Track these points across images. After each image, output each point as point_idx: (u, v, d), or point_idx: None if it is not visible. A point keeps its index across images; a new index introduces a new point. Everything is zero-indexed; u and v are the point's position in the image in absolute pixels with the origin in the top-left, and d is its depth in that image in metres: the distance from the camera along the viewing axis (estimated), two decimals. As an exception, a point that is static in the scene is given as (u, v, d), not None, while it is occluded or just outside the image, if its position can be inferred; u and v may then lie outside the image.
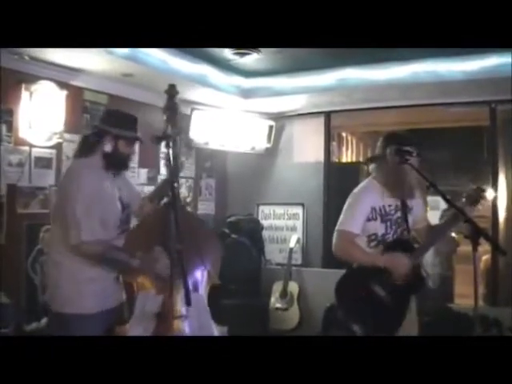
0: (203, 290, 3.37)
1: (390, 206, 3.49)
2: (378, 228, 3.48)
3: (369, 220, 3.46)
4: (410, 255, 3.33)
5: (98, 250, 3.20)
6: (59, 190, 3.50)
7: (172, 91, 3.40)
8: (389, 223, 3.48)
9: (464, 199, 3.35)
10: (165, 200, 3.52)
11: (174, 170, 3.35)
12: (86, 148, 3.44)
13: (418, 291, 3.48)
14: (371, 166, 3.67)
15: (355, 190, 3.59)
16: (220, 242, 3.81)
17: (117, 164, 3.42)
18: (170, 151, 3.19)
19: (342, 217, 3.53)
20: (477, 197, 3.37)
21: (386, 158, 3.45)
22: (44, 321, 4.23)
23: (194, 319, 3.17)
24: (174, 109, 3.38)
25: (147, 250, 3.22)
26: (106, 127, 3.39)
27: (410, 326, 3.38)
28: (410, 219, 3.53)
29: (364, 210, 3.46)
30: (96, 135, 3.43)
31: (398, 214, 3.50)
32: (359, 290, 3.37)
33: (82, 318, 3.18)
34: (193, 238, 3.13)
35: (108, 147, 3.37)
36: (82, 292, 3.23)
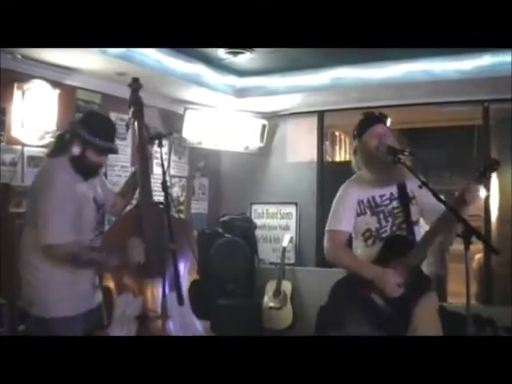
0: (184, 287, 3.34)
1: (382, 196, 3.25)
2: (370, 222, 3.24)
3: (358, 215, 3.26)
4: (405, 256, 3.09)
5: (70, 253, 3.13)
6: (31, 191, 3.36)
7: (136, 85, 3.38)
8: (382, 215, 3.23)
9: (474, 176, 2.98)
10: (137, 196, 3.49)
11: (139, 162, 3.32)
12: (59, 147, 3.32)
13: (422, 292, 3.17)
14: (353, 161, 3.39)
15: (342, 185, 3.40)
16: (200, 237, 3.76)
17: (83, 169, 3.27)
18: (163, 150, 3.18)
19: (329, 216, 3.36)
20: (485, 171, 2.99)
21: (360, 147, 3.29)
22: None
23: (176, 318, 3.16)
24: (138, 103, 3.36)
25: (124, 251, 3.19)
26: (78, 129, 3.25)
27: (431, 327, 3.13)
28: (415, 210, 3.25)
29: (350, 205, 3.26)
30: (69, 135, 3.30)
31: (394, 203, 3.24)
32: (356, 296, 3.15)
33: (59, 320, 3.12)
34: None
35: (76, 150, 3.23)
36: (57, 295, 3.16)
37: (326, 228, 3.35)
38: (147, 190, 3.29)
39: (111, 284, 3.23)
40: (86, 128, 3.24)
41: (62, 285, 3.18)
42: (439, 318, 3.24)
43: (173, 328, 3.15)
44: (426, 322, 3.12)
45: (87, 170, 3.30)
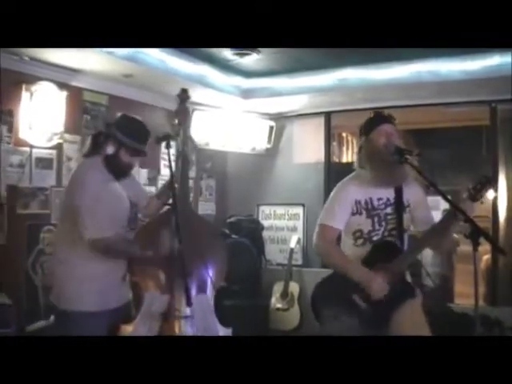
0: (209, 291, 3.39)
1: (379, 199, 3.23)
2: (363, 224, 3.23)
3: (353, 214, 3.23)
4: (391, 262, 3.11)
5: (116, 244, 3.25)
6: (67, 189, 3.50)
7: (184, 95, 3.46)
8: (376, 219, 3.22)
9: (467, 194, 3.01)
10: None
11: (180, 169, 3.38)
12: (94, 147, 3.44)
13: (404, 299, 3.19)
14: (356, 159, 3.37)
15: (340, 182, 3.39)
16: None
17: (115, 169, 3.39)
18: (170, 151, 3.21)
19: (323, 210, 3.36)
20: (481, 189, 3.01)
21: (366, 145, 3.27)
22: (41, 323, 4.26)
23: (199, 320, 3.19)
24: (185, 113, 3.43)
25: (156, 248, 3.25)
26: (113, 130, 3.37)
27: (419, 329, 3.13)
28: (407, 218, 3.27)
29: (346, 203, 3.24)
30: (104, 135, 3.42)
31: (389, 209, 3.24)
32: (338, 298, 3.17)
33: (88, 315, 3.19)
34: (198, 240, 3.15)
35: (110, 150, 3.35)
36: (87, 290, 3.24)
37: (319, 222, 3.35)
38: (186, 195, 3.37)
39: (140, 279, 3.29)
40: (121, 129, 3.36)
41: (90, 280, 3.25)
42: (425, 323, 3.23)
43: (195, 330, 3.19)
44: (405, 328, 3.11)
45: (119, 170, 3.40)
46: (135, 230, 3.50)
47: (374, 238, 3.24)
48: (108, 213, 3.25)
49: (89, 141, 3.55)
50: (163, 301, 3.19)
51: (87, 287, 3.24)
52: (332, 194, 3.37)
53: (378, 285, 3.08)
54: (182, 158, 3.42)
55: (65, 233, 3.36)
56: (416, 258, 3.31)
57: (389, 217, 3.25)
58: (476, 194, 3.01)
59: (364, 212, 3.24)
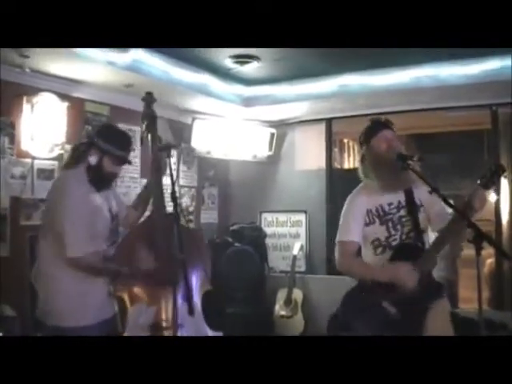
0: (197, 297, 3.37)
1: (390, 204, 3.20)
2: (379, 231, 3.20)
3: (367, 224, 3.21)
4: (415, 262, 3.04)
5: (90, 263, 3.22)
6: (47, 202, 3.51)
7: (149, 99, 3.44)
8: (390, 224, 3.19)
9: (479, 182, 2.95)
10: (151, 208, 3.53)
11: (154, 176, 3.37)
12: (75, 158, 3.42)
13: (434, 299, 3.14)
14: (360, 168, 3.34)
15: (349, 195, 3.36)
16: (210, 247, 3.80)
17: (98, 180, 3.36)
18: (171, 161, 3.20)
19: (339, 227, 3.32)
20: (492, 176, 2.96)
21: (368, 152, 3.25)
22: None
23: (189, 327, 3.17)
24: (151, 116, 3.42)
25: (137, 261, 3.24)
26: (95, 139, 3.35)
27: (443, 333, 3.07)
28: (423, 218, 3.20)
29: (358, 215, 3.22)
30: (85, 146, 3.40)
31: (402, 212, 3.19)
32: (367, 306, 3.12)
33: (77, 330, 3.16)
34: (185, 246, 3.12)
35: (92, 160, 3.32)
36: (75, 305, 3.22)
37: (336, 239, 3.31)
38: (160, 202, 3.34)
39: (125, 293, 3.28)
40: (103, 138, 3.35)
41: (78, 295, 3.23)
42: (451, 324, 3.22)
43: None
44: (438, 328, 3.08)
45: (102, 179, 3.38)
46: (116, 242, 3.47)
47: (393, 244, 3.21)
48: (89, 229, 3.23)
49: (69, 153, 3.54)
50: (150, 313, 3.17)
51: (74, 302, 3.22)
52: (343, 209, 3.34)
53: (407, 272, 3.03)
54: (156, 164, 3.39)
55: (48, 247, 3.31)
56: (438, 255, 3.22)
57: (403, 219, 3.20)
58: (488, 182, 2.97)
59: (377, 220, 3.22)
